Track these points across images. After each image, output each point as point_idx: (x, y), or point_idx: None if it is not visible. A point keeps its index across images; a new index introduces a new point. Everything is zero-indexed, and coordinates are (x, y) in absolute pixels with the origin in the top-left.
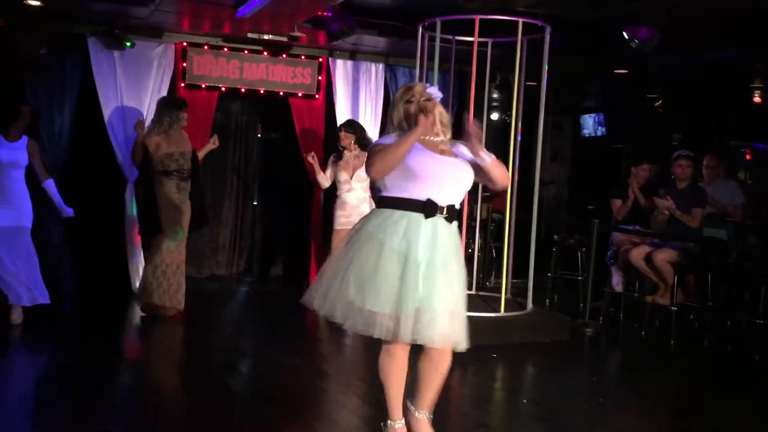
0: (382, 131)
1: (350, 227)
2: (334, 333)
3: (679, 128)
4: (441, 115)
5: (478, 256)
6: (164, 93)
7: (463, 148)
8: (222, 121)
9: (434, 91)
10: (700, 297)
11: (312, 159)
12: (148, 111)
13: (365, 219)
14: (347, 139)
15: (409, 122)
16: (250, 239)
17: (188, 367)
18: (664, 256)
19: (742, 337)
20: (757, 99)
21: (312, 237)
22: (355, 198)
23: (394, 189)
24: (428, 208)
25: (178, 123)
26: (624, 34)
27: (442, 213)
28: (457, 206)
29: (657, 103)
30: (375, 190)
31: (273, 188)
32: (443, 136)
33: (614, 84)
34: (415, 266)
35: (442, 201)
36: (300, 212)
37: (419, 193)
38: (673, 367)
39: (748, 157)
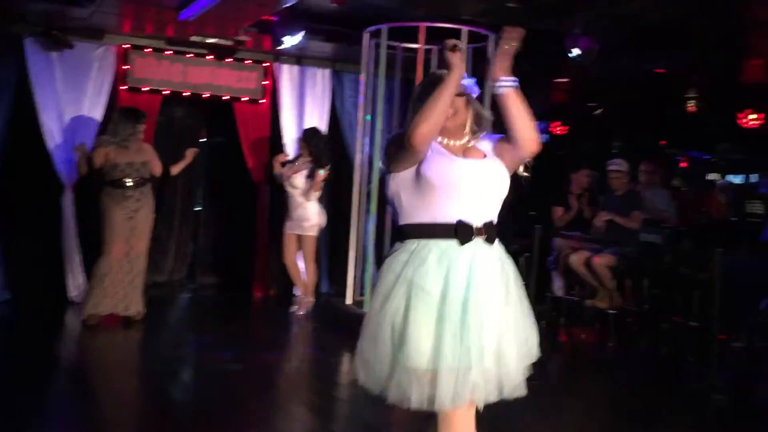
0: (329, 137)
1: (290, 231)
2: (279, 340)
3: (618, 136)
4: (476, 115)
5: None
6: (104, 96)
7: (487, 144)
8: (165, 126)
9: (469, 85)
10: (637, 300)
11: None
12: (87, 113)
13: (390, 258)
14: (302, 150)
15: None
16: (194, 245)
17: (127, 374)
18: (602, 261)
19: (677, 339)
20: (691, 108)
21: (257, 242)
22: (291, 202)
23: (413, 212)
24: (462, 233)
25: (135, 136)
26: (565, 44)
27: (480, 234)
28: (496, 220)
29: (597, 111)
30: (392, 216)
31: (217, 193)
32: (476, 139)
33: (556, 92)
34: (454, 306)
35: (478, 219)
36: (245, 217)
37: (447, 214)
38: (611, 369)
39: (683, 164)
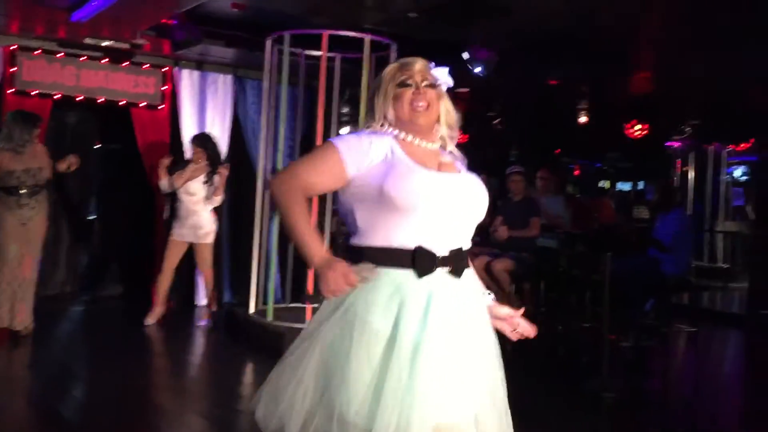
0: (232, 144)
1: (180, 238)
2: (180, 352)
3: (515, 145)
4: (447, 113)
5: None
6: None
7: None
8: (57, 131)
9: (442, 75)
10: (534, 303)
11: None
12: None
13: None
14: (198, 155)
15: (401, 114)
16: (87, 255)
17: (12, 394)
18: (501, 266)
19: (571, 340)
20: (583, 119)
21: (156, 252)
22: (184, 209)
23: (369, 232)
24: (421, 261)
25: (31, 141)
26: (464, 54)
27: (445, 265)
28: (467, 247)
29: (495, 121)
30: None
31: (112, 202)
32: (448, 143)
33: (456, 102)
34: (405, 352)
35: (443, 246)
36: (142, 226)
37: (405, 237)
38: (510, 370)
39: (576, 172)
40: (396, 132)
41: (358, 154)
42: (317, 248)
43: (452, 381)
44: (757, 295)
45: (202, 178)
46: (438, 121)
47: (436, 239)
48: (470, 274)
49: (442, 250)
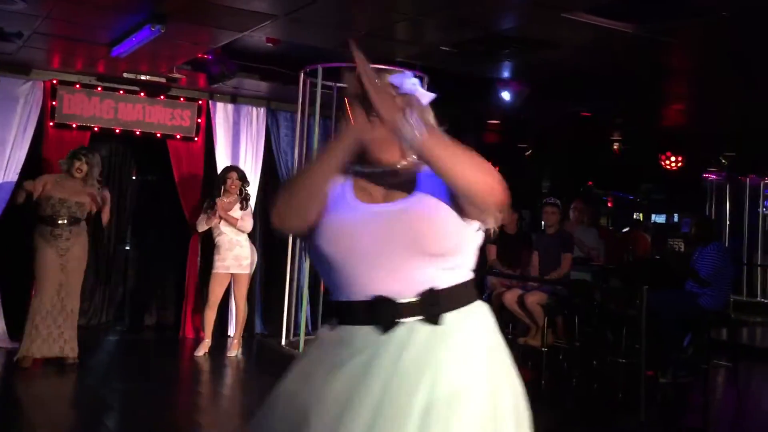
0: (264, 176)
1: (224, 270)
2: (211, 383)
3: (547, 176)
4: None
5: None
6: (30, 132)
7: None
8: None
9: (400, 81)
10: (568, 338)
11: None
12: (12, 150)
13: (319, 341)
14: (236, 185)
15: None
16: (122, 286)
17: (50, 423)
18: (534, 299)
19: (607, 376)
20: (616, 150)
21: (188, 283)
22: (227, 241)
23: (331, 287)
24: (379, 312)
25: (69, 172)
26: (496, 86)
27: (414, 313)
28: (449, 284)
29: (527, 153)
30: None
31: (148, 232)
32: (406, 159)
33: (488, 134)
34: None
35: (407, 289)
36: (176, 257)
37: (360, 284)
38: (543, 406)
39: (609, 204)
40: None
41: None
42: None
43: None
44: None
45: (236, 209)
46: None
47: (394, 282)
48: (462, 317)
49: (404, 295)
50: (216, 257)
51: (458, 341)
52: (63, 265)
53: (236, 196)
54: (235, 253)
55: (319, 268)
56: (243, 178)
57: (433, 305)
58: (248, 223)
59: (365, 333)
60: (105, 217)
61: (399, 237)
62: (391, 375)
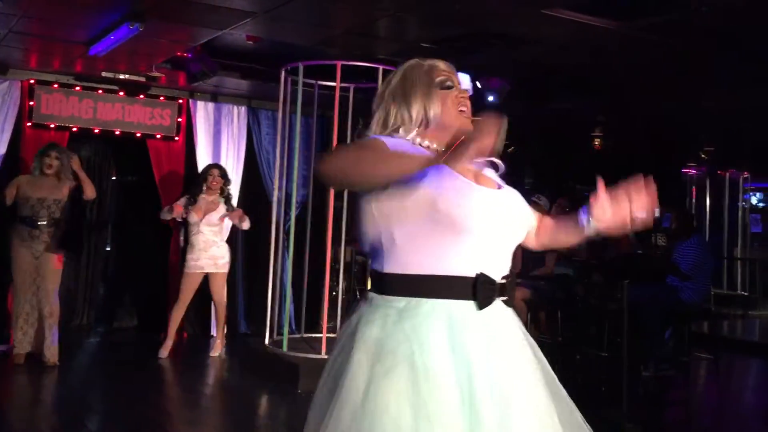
0: (246, 175)
1: (198, 270)
2: (191, 381)
3: (529, 173)
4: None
5: (342, 299)
6: (8, 133)
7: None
8: None
9: (467, 81)
10: (551, 333)
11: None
12: None
13: (355, 323)
14: (218, 182)
15: (447, 119)
16: (103, 286)
17: (30, 423)
18: (517, 295)
19: (590, 370)
20: (597, 146)
21: (170, 283)
22: (202, 241)
23: (413, 256)
24: (483, 291)
25: (40, 169)
26: (477, 83)
27: (502, 294)
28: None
29: (510, 149)
30: (367, 256)
31: (128, 233)
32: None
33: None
34: (487, 400)
35: (497, 271)
36: (157, 258)
37: (462, 263)
38: None
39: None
40: (428, 143)
41: None
42: (421, 155)
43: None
44: None
45: (221, 208)
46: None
47: (492, 265)
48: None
49: (497, 276)
50: (189, 257)
51: (514, 315)
52: (37, 267)
53: (218, 194)
54: (211, 254)
55: (407, 231)
56: (225, 176)
57: (512, 289)
58: (248, 222)
59: (460, 307)
60: (87, 189)
61: (511, 220)
62: (513, 331)
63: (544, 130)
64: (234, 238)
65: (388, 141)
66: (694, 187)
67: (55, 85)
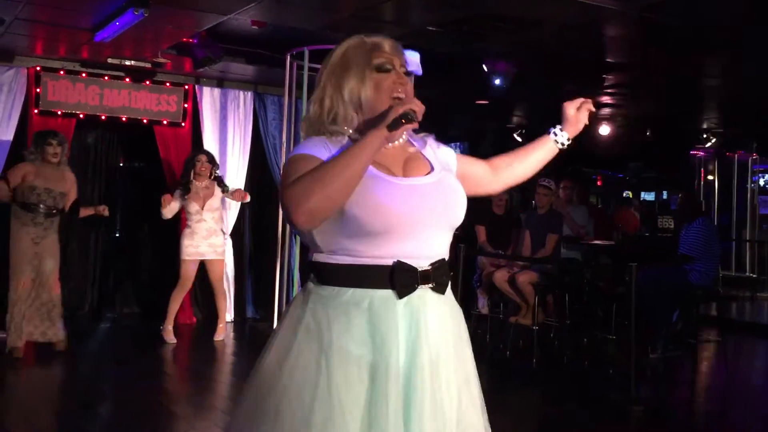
0: (252, 160)
1: (198, 257)
2: (200, 366)
3: None
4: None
5: None
6: (15, 120)
7: (431, 143)
8: (80, 150)
9: (415, 61)
10: (559, 316)
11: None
12: None
13: (293, 307)
14: (206, 168)
15: (377, 105)
16: (111, 273)
17: (39, 408)
18: (525, 278)
19: (598, 353)
20: (605, 130)
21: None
22: (205, 229)
23: (333, 246)
24: (400, 279)
25: (44, 157)
26: (484, 66)
27: (427, 281)
28: (446, 257)
29: (516, 132)
30: (307, 248)
31: (136, 219)
32: (412, 140)
33: (476, 114)
34: (394, 383)
35: (423, 258)
36: (164, 244)
37: (380, 252)
38: (537, 384)
39: (599, 183)
40: (350, 133)
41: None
42: (360, 143)
43: (445, 417)
44: None
45: (217, 191)
46: None
47: (414, 251)
48: (450, 292)
49: (422, 263)
50: (188, 242)
51: (453, 301)
52: (37, 253)
53: (209, 179)
54: (212, 241)
55: (329, 230)
56: (212, 161)
57: (443, 275)
58: (248, 196)
59: (380, 296)
60: (83, 212)
61: (433, 207)
62: (441, 318)
63: (551, 112)
64: (241, 224)
65: (314, 149)
66: (702, 169)
67: (62, 72)
